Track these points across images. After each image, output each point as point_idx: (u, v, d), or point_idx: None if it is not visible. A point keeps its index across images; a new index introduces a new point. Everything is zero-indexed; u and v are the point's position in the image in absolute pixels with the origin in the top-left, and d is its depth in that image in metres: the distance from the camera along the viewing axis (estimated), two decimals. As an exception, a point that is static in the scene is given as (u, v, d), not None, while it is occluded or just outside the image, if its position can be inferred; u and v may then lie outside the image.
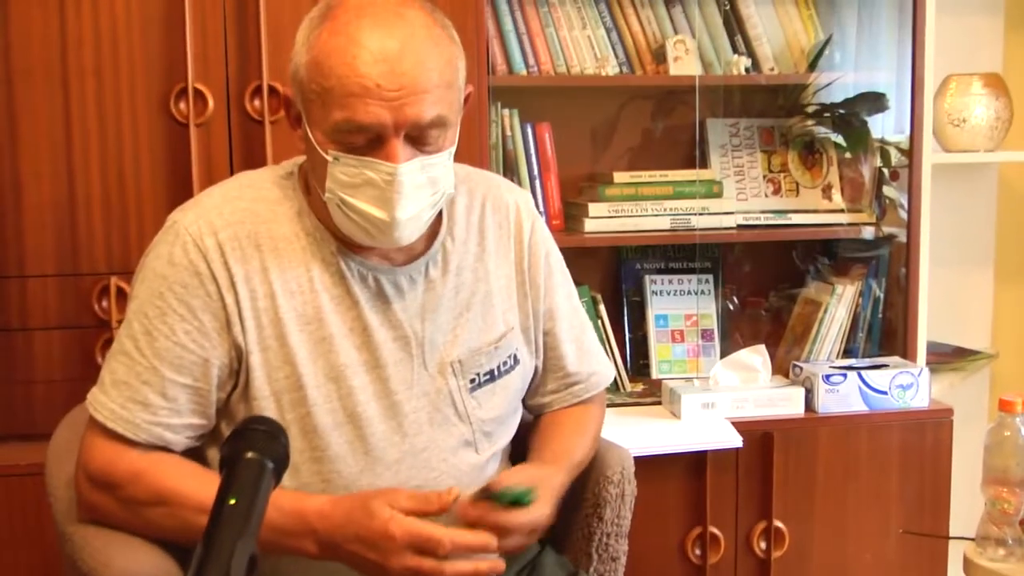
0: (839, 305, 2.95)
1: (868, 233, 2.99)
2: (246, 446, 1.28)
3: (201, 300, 1.70)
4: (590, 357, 2.03)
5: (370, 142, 1.65)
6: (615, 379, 2.86)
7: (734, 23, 2.98)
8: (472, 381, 1.85)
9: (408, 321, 1.79)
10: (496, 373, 1.88)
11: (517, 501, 1.67)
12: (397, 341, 1.79)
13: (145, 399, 1.70)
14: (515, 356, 1.91)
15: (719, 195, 2.92)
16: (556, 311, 1.98)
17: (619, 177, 2.89)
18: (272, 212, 1.76)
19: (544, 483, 1.75)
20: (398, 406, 1.78)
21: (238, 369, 1.73)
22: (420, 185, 1.68)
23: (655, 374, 3.00)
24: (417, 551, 1.60)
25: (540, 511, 1.71)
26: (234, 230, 1.73)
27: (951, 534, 2.79)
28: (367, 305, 1.77)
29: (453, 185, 1.76)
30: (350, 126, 1.63)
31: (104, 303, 2.49)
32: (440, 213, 1.84)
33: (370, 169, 1.65)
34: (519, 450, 1.97)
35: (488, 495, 1.68)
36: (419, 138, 1.66)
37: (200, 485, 1.64)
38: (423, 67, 1.64)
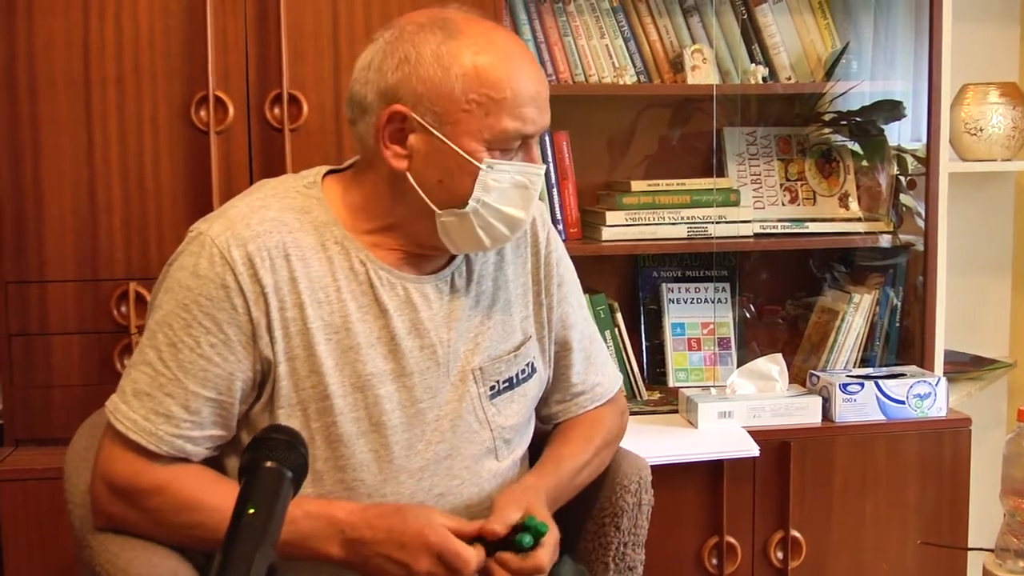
0: (856, 314, 2.94)
1: (885, 241, 2.98)
2: (265, 455, 1.28)
3: (227, 313, 1.69)
4: (595, 368, 2.04)
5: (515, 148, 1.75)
6: (632, 387, 2.87)
7: (751, 32, 2.99)
8: (492, 388, 1.86)
9: (435, 330, 1.80)
10: (515, 381, 1.89)
11: (536, 535, 1.68)
12: (424, 350, 1.79)
13: (168, 411, 1.69)
14: (532, 364, 1.92)
15: (736, 203, 2.92)
16: (567, 320, 1.99)
17: (636, 185, 2.89)
18: (299, 221, 1.76)
19: (533, 501, 1.75)
20: (422, 414, 1.79)
21: (262, 382, 1.73)
22: None
23: (672, 382, 3.00)
24: (443, 563, 1.64)
25: (551, 535, 1.72)
26: (263, 240, 1.72)
27: (969, 545, 2.78)
28: (395, 314, 1.77)
29: None
30: (519, 134, 1.72)
31: (123, 308, 2.50)
32: None
33: (520, 173, 1.74)
34: (534, 459, 1.96)
35: (505, 543, 1.68)
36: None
37: (224, 495, 1.64)
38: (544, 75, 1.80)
